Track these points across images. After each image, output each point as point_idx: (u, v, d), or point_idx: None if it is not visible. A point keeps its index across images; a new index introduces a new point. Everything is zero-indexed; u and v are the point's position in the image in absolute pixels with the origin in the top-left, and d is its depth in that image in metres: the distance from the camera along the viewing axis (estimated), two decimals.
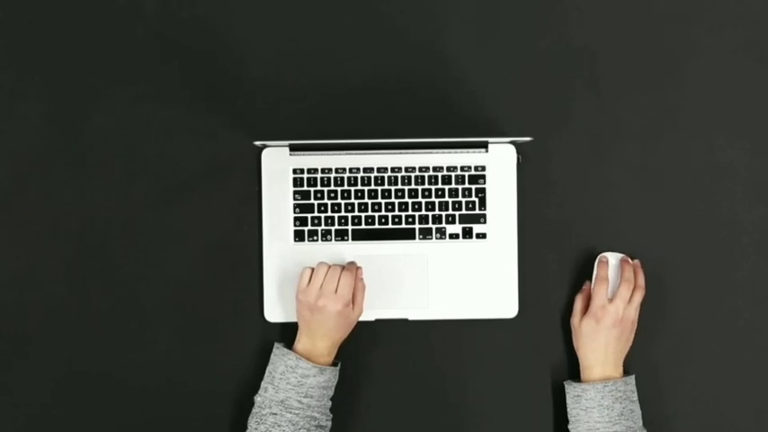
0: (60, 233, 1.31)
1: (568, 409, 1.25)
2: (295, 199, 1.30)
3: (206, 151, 1.31)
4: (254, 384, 1.25)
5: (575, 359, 1.29)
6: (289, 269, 1.29)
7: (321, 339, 1.23)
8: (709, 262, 1.32)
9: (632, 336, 1.26)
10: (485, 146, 1.29)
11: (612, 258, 1.28)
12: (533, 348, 1.31)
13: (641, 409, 1.25)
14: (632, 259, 1.29)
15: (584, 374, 1.26)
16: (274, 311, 1.30)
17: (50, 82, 1.32)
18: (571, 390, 1.25)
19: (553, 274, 1.32)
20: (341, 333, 1.24)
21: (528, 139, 1.23)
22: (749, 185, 1.32)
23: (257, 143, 1.25)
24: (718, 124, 1.32)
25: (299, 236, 1.30)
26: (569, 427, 1.25)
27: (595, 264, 1.29)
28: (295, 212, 1.30)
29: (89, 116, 1.32)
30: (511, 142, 1.30)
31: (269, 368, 1.23)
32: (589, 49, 1.33)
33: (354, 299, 1.24)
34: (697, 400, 1.32)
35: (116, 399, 1.31)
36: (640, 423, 1.23)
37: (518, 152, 1.30)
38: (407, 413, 1.31)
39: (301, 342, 1.24)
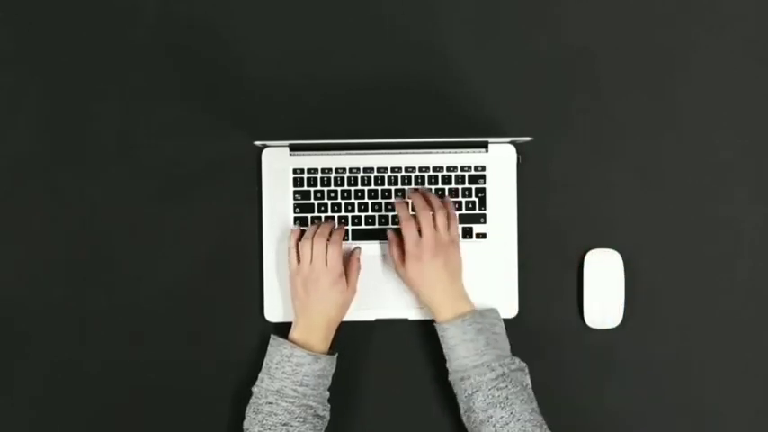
0: (60, 233, 1.31)
1: (443, 350, 1.24)
2: (295, 199, 1.30)
3: (206, 151, 1.31)
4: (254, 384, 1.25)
5: (575, 359, 1.29)
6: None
7: (317, 316, 1.22)
8: (709, 262, 1.32)
9: (458, 255, 1.25)
10: (485, 146, 1.28)
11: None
12: (533, 348, 1.31)
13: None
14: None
15: (438, 317, 1.24)
16: (274, 311, 1.30)
17: (50, 82, 1.32)
18: (438, 331, 1.24)
19: (553, 273, 1.32)
20: (335, 311, 1.24)
21: (528, 139, 1.23)
22: (749, 185, 1.32)
23: (257, 143, 1.25)
24: (719, 124, 1.32)
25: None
26: (446, 365, 1.24)
27: (396, 207, 1.26)
28: (295, 212, 1.30)
29: (89, 116, 1.32)
30: (511, 142, 1.30)
31: (266, 359, 1.23)
32: (589, 49, 1.33)
33: (348, 277, 1.25)
34: (697, 400, 1.32)
35: (116, 399, 1.31)
36: (508, 350, 1.23)
37: (518, 152, 1.30)
38: (407, 413, 1.31)
39: (297, 330, 1.24)
